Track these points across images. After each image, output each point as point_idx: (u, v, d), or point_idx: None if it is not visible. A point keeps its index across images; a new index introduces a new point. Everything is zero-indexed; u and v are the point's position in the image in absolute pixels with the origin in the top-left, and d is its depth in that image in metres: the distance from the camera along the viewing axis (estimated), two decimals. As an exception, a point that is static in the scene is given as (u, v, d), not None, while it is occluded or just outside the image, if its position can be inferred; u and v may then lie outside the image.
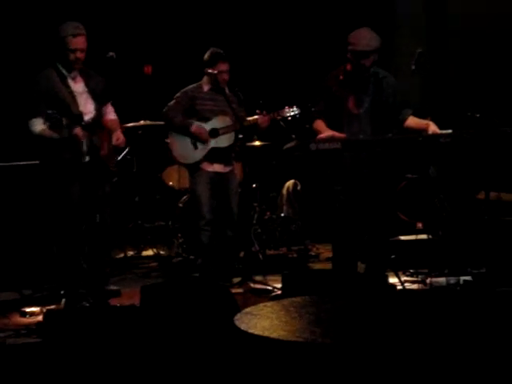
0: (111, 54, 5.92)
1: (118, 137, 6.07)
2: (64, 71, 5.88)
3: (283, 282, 5.00)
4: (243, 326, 3.08)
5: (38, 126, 5.75)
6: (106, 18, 9.04)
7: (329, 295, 3.87)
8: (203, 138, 6.60)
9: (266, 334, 2.96)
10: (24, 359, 4.39)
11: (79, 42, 5.83)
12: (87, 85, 5.96)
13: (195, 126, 6.59)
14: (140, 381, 3.94)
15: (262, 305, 3.56)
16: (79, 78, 5.93)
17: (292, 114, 6.83)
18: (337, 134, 5.53)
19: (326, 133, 5.54)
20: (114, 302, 5.96)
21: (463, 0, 8.27)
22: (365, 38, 5.61)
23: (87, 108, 5.93)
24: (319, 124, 5.73)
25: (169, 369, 3.92)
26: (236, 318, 3.25)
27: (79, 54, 5.82)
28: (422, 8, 8.61)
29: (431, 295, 5.30)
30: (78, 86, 5.94)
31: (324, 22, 9.09)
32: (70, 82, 5.90)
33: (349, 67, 5.71)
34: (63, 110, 5.74)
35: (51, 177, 5.88)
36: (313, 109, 5.87)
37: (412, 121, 5.78)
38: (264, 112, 6.73)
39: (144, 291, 4.72)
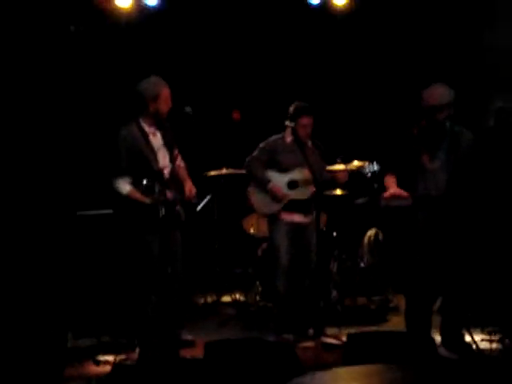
0: (188, 109, 6.01)
1: (191, 189, 6.16)
2: (145, 127, 6.03)
3: (348, 342, 4.96)
4: None
5: (126, 186, 5.92)
6: (195, 63, 9.24)
7: (394, 362, 3.82)
8: (279, 198, 6.65)
9: None
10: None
11: (169, 94, 6.01)
12: (164, 138, 6.10)
13: (272, 184, 6.66)
14: None
15: (314, 374, 3.52)
16: (157, 132, 6.07)
17: (372, 170, 6.81)
18: (402, 192, 5.51)
19: (392, 190, 5.52)
20: (188, 352, 6.02)
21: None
22: (438, 93, 5.62)
23: (165, 162, 6.07)
24: (389, 179, 5.73)
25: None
26: None
27: (170, 103, 5.98)
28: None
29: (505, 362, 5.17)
30: (157, 141, 6.08)
31: (412, 74, 9.02)
32: (151, 138, 6.05)
33: (423, 122, 5.68)
34: (145, 167, 5.90)
35: (131, 229, 6.01)
36: (386, 163, 5.86)
37: None
38: (344, 168, 6.73)
39: (208, 348, 4.78)
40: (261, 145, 6.84)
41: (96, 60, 8.66)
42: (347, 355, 4.87)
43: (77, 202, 7.17)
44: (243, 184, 7.20)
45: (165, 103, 5.98)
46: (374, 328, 6.95)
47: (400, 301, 7.94)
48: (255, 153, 6.81)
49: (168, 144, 6.09)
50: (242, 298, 8.01)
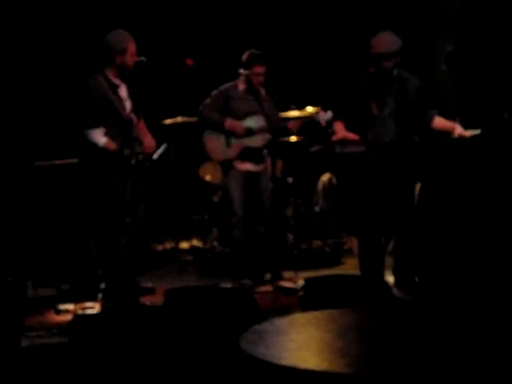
0: (142, 58, 6.01)
1: (151, 143, 6.20)
2: (112, 78, 6.02)
3: (305, 287, 5.08)
4: (248, 349, 2.98)
5: (101, 138, 5.91)
6: (148, 10, 9.17)
7: (350, 306, 3.91)
8: (238, 133, 6.69)
9: (270, 359, 2.83)
10: (49, 361, 4.53)
11: (135, 48, 6.00)
12: (129, 90, 6.10)
13: (229, 121, 6.69)
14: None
15: (272, 321, 3.59)
16: (122, 84, 6.06)
17: (326, 118, 6.88)
18: (350, 135, 5.61)
19: (339, 134, 5.63)
20: (147, 299, 6.11)
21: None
22: (386, 41, 5.69)
23: (131, 113, 6.08)
24: (337, 125, 5.83)
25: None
26: (243, 336, 3.20)
27: (136, 57, 5.98)
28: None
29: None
30: (123, 93, 6.08)
31: (360, 23, 9.06)
32: (118, 89, 6.05)
33: (371, 70, 5.75)
34: (115, 117, 5.92)
35: (99, 172, 6.01)
36: (335, 110, 5.95)
37: (439, 121, 5.82)
38: (297, 115, 6.80)
39: (168, 295, 4.86)
40: (213, 92, 6.85)
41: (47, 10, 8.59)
42: (304, 300, 5.01)
43: (36, 152, 7.17)
44: (199, 132, 7.24)
45: (131, 57, 5.97)
46: (329, 271, 7.11)
47: (353, 243, 8.10)
48: (207, 100, 6.83)
49: (132, 96, 6.09)
50: (199, 245, 8.11)
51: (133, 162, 5.88)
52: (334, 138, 5.67)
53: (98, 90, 5.92)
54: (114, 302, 5.87)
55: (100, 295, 6.10)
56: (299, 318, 3.80)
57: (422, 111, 5.80)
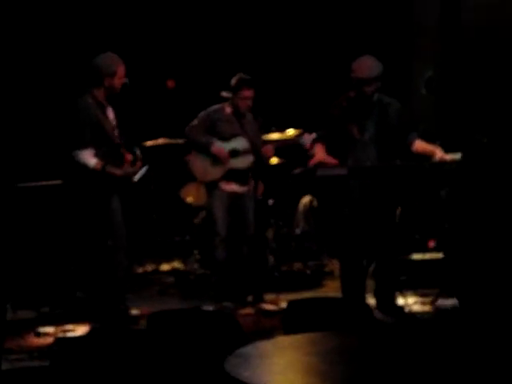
0: (125, 80, 6.03)
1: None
2: (101, 100, 6.01)
3: (288, 309, 5.09)
4: (233, 372, 3.00)
5: (91, 159, 5.89)
6: (130, 30, 9.21)
7: (333, 329, 3.94)
8: (223, 159, 6.72)
9: (255, 382, 2.87)
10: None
11: (124, 71, 6.03)
12: (115, 113, 6.12)
13: (216, 146, 6.72)
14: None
15: (256, 344, 3.60)
16: (109, 106, 6.07)
17: (308, 141, 6.92)
18: (328, 159, 5.64)
19: (317, 156, 5.66)
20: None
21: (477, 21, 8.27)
22: (366, 66, 5.72)
23: (118, 135, 6.10)
24: (317, 148, 5.86)
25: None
26: (227, 360, 3.23)
27: (124, 80, 6.00)
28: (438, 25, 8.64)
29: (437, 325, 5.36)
30: (110, 114, 6.09)
31: (341, 46, 9.15)
32: (106, 111, 6.06)
33: (352, 94, 5.79)
34: (104, 138, 5.92)
35: (92, 193, 5.97)
36: (317, 132, 5.99)
37: (419, 145, 5.86)
38: (269, 145, 6.85)
39: (151, 319, 4.86)
40: (201, 114, 6.89)
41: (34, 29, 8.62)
42: (287, 322, 5.02)
43: (18, 173, 7.13)
44: (180, 154, 7.26)
45: (119, 79, 5.99)
46: (310, 293, 7.11)
47: (334, 266, 8.13)
48: (195, 121, 6.86)
49: (117, 118, 6.11)
50: (180, 267, 8.09)
51: (126, 182, 5.90)
52: (312, 161, 5.68)
53: (88, 110, 5.92)
54: (102, 324, 5.84)
55: (90, 319, 6.05)
56: (283, 340, 3.81)
57: (402, 135, 5.84)
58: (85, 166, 5.88)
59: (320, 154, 5.79)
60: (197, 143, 6.82)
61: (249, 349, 3.48)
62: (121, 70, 6.03)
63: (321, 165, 5.65)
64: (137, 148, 6.31)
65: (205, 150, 6.78)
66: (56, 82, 8.88)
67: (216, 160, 6.76)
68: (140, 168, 6.35)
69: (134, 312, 6.31)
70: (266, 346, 3.57)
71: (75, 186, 6.11)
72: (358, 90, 5.72)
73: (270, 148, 6.83)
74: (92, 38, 8.68)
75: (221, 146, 6.76)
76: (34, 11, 8.86)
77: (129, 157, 6.18)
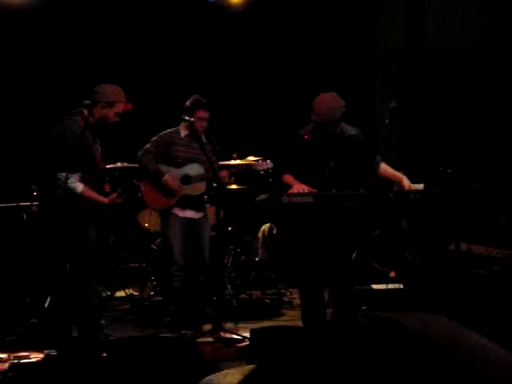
0: (88, 101, 5.89)
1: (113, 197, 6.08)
2: (93, 126, 5.87)
3: (251, 338, 5.03)
4: None
5: (78, 183, 5.73)
6: (87, 53, 9.16)
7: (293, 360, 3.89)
8: (174, 189, 6.62)
9: None
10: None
11: (122, 109, 5.93)
12: (99, 140, 6.00)
13: (167, 176, 6.61)
14: None
15: (223, 373, 3.54)
16: (93, 133, 5.93)
17: (264, 168, 6.89)
18: (307, 188, 5.57)
19: (297, 186, 5.58)
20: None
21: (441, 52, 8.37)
22: (327, 110, 5.58)
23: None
24: (289, 178, 5.78)
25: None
26: None
27: (118, 118, 5.90)
28: (402, 55, 8.72)
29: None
30: (96, 142, 5.97)
31: (304, 73, 9.19)
32: (95, 138, 5.93)
33: (310, 135, 5.72)
34: (91, 163, 5.78)
35: (72, 218, 5.77)
36: (280, 165, 5.93)
37: (386, 170, 5.83)
38: (224, 170, 6.79)
39: (111, 344, 4.75)
40: (154, 138, 6.77)
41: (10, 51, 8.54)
42: (250, 350, 4.95)
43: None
44: (138, 178, 7.16)
45: (114, 115, 5.86)
46: (270, 322, 7.04)
47: (292, 294, 8.09)
48: (147, 146, 6.73)
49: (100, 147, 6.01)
50: (136, 293, 7.95)
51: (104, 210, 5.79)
52: (292, 190, 5.59)
53: (77, 133, 5.71)
54: (60, 351, 5.67)
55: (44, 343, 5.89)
56: (249, 369, 3.73)
57: (365, 163, 5.81)
58: (71, 190, 5.70)
59: (297, 183, 5.68)
60: (148, 170, 6.70)
61: (218, 376, 3.41)
62: (120, 105, 5.90)
63: (296, 194, 5.57)
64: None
65: (156, 179, 6.67)
66: (43, 103, 8.80)
67: (167, 189, 6.65)
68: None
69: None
70: (234, 374, 3.50)
71: (54, 209, 5.92)
72: (319, 131, 5.66)
73: (225, 173, 6.75)
74: (63, 61, 8.64)
75: (173, 173, 6.65)
76: (18, 29, 8.81)
77: (108, 187, 6.07)
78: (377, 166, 5.81)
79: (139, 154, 6.73)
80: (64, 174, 5.58)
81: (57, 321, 5.93)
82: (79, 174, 5.73)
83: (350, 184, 5.72)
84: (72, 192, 5.68)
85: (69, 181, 5.63)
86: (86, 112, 5.77)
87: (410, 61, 8.38)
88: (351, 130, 5.83)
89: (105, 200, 5.83)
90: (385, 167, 5.84)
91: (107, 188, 6.04)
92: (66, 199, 5.61)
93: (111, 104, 5.85)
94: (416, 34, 8.34)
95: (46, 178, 5.84)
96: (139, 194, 6.85)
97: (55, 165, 5.73)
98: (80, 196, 5.72)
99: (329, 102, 5.64)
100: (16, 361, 5.51)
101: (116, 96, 5.89)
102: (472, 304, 6.22)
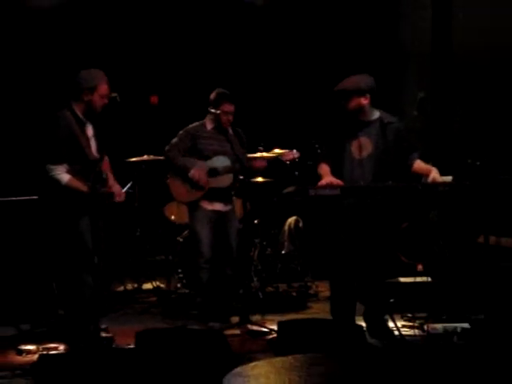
0: (114, 94, 5.91)
1: (120, 192, 6.08)
2: (81, 116, 5.90)
3: (279, 331, 5.02)
4: None
5: (64, 175, 5.75)
6: (112, 46, 9.17)
7: (323, 353, 3.87)
8: (201, 184, 6.63)
9: None
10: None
11: (108, 88, 5.91)
12: (95, 129, 5.99)
13: (194, 170, 6.61)
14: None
15: (252, 365, 3.53)
16: (88, 122, 5.95)
17: (291, 158, 6.89)
18: (335, 181, 5.57)
19: (325, 179, 5.59)
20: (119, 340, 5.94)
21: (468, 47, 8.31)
22: (344, 80, 5.77)
23: (96, 152, 5.97)
24: (323, 168, 5.82)
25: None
26: (225, 380, 3.22)
27: (106, 100, 5.88)
28: (430, 49, 8.65)
29: (428, 349, 5.33)
30: (89, 131, 5.96)
31: (330, 66, 9.14)
32: (85, 127, 5.93)
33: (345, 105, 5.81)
34: (80, 155, 5.80)
35: (61, 211, 5.83)
36: (319, 151, 5.94)
37: (418, 165, 5.83)
38: (262, 156, 6.78)
39: (139, 337, 4.75)
40: (180, 132, 6.78)
41: (13, 42, 8.54)
42: (278, 343, 4.94)
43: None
44: (164, 170, 7.18)
45: (100, 97, 5.86)
46: (296, 315, 7.04)
47: (318, 287, 8.07)
48: (174, 140, 6.75)
49: (97, 136, 5.99)
50: (163, 286, 7.97)
51: (95, 200, 5.74)
52: (320, 183, 5.61)
53: (66, 125, 5.77)
54: (82, 343, 5.69)
55: (69, 336, 5.90)
56: (277, 362, 3.71)
57: (401, 155, 5.79)
58: (57, 182, 5.75)
59: (327, 176, 5.71)
60: (175, 164, 6.72)
61: (246, 368, 3.41)
62: (102, 87, 5.88)
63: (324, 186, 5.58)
64: (105, 174, 6.12)
65: (183, 173, 6.68)
66: (34, 95, 8.81)
67: (194, 183, 6.66)
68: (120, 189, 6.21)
69: (105, 334, 6.05)
70: (259, 366, 3.50)
71: (47, 202, 5.98)
72: (339, 104, 5.72)
73: (262, 163, 6.75)
74: (76, 53, 8.62)
75: (200, 166, 6.66)
76: (14, 25, 8.82)
77: (114, 186, 6.07)
78: (412, 163, 5.80)
79: (166, 148, 6.75)
80: (52, 166, 5.71)
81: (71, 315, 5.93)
82: (65, 166, 5.75)
83: (383, 173, 5.70)
84: (58, 183, 5.73)
85: (55, 172, 5.73)
86: (73, 104, 5.84)
87: (439, 53, 8.33)
88: (390, 118, 5.87)
89: (84, 188, 5.80)
90: (419, 164, 5.82)
91: (110, 179, 6.03)
92: (54, 191, 5.73)
93: (93, 88, 5.85)
94: (445, 28, 8.29)
95: (39, 171, 5.90)
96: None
97: (43, 157, 5.78)
98: (65, 187, 5.74)
99: (356, 75, 5.88)
100: (45, 352, 5.56)
101: (96, 79, 5.89)
102: (500, 297, 6.18)
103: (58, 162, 5.75)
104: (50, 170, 5.76)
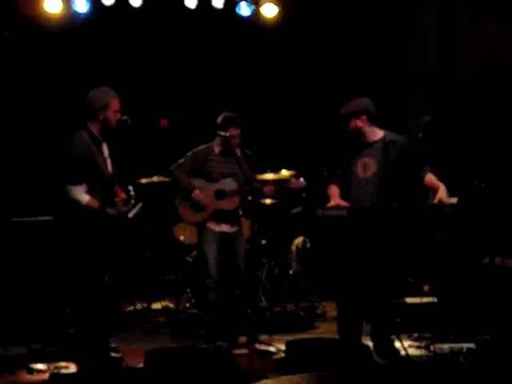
0: (125, 117, 6.03)
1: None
2: (97, 135, 6.00)
3: (287, 350, 5.09)
4: None
5: (84, 195, 5.85)
6: (123, 70, 9.29)
7: (331, 372, 3.94)
8: (203, 204, 6.73)
9: None
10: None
11: (119, 102, 6.02)
12: (109, 148, 6.10)
13: (196, 191, 6.72)
14: None
15: (262, 382, 3.60)
16: (104, 142, 6.05)
17: (298, 186, 6.98)
18: (342, 202, 5.67)
19: (334, 201, 5.70)
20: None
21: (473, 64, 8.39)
22: (353, 102, 5.92)
23: (112, 171, 6.09)
24: (332, 190, 5.93)
25: None
26: None
27: (119, 114, 5.99)
28: (435, 72, 8.73)
29: (434, 369, 5.38)
30: (105, 150, 6.07)
31: (339, 85, 9.24)
32: (101, 146, 6.04)
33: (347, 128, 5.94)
34: (98, 174, 5.90)
35: (78, 231, 5.94)
36: (325, 173, 6.04)
37: (429, 178, 5.88)
38: (270, 181, 6.87)
39: (148, 356, 4.83)
40: (188, 153, 6.87)
41: (28, 65, 8.67)
42: (285, 363, 5.00)
43: (11, 208, 7.10)
44: (174, 192, 7.27)
45: (114, 113, 5.97)
46: (304, 334, 7.09)
47: (326, 307, 8.12)
48: (181, 160, 6.84)
49: (111, 155, 6.10)
50: (172, 306, 8.04)
51: (118, 220, 5.87)
52: (329, 204, 5.72)
53: (83, 145, 5.88)
54: (92, 362, 5.76)
55: (77, 355, 5.97)
56: (285, 381, 3.79)
57: (408, 171, 5.86)
58: (77, 202, 5.84)
59: (335, 197, 5.83)
60: (179, 184, 6.82)
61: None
62: (114, 102, 6.01)
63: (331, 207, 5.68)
64: (131, 186, 6.28)
65: (188, 194, 6.78)
66: (51, 116, 8.95)
67: (199, 204, 6.76)
68: (133, 206, 6.32)
69: (115, 354, 6.12)
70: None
71: (64, 222, 6.08)
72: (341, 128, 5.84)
73: (271, 188, 6.84)
74: (87, 76, 8.74)
75: (206, 188, 6.75)
76: (29, 47, 8.95)
77: (122, 195, 6.15)
78: (424, 176, 5.86)
79: (172, 167, 6.85)
80: (71, 187, 5.80)
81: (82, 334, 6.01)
82: (84, 186, 5.85)
83: (388, 192, 5.78)
84: (78, 204, 5.83)
85: (75, 192, 5.82)
86: (88, 124, 5.94)
87: (443, 76, 8.41)
88: (394, 136, 5.94)
89: (111, 212, 5.90)
90: (430, 177, 5.88)
91: (120, 195, 6.13)
92: (72, 211, 5.83)
93: (106, 106, 5.97)
94: (450, 52, 8.38)
95: (57, 192, 5.99)
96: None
97: (63, 178, 5.88)
98: (85, 208, 5.82)
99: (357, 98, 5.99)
100: (56, 371, 5.62)
101: (107, 96, 6.01)
102: (505, 318, 6.24)
103: (77, 183, 5.84)
104: (69, 190, 5.85)
